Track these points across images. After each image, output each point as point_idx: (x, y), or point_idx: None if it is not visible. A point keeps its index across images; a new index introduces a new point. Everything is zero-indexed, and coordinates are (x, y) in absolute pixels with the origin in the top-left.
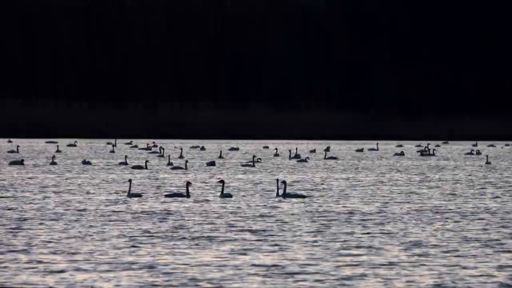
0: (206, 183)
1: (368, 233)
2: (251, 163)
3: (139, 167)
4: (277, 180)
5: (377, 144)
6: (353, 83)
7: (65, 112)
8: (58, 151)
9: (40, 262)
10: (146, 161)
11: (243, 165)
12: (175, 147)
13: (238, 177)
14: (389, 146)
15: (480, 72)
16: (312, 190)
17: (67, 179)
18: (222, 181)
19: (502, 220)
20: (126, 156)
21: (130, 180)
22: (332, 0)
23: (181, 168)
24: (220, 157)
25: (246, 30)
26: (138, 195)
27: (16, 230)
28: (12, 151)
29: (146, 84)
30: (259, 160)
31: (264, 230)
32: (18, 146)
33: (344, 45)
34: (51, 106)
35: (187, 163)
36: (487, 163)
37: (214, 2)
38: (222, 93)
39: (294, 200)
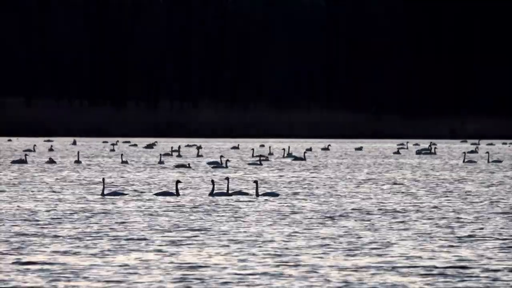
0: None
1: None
2: (258, 162)
3: (182, 166)
4: (213, 181)
5: (407, 142)
6: (354, 82)
7: (66, 111)
8: (51, 149)
9: None
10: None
11: (249, 164)
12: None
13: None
14: (389, 145)
15: (481, 71)
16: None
17: (37, 177)
18: (212, 181)
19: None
20: (122, 155)
21: (103, 179)
22: (332, 0)
23: (222, 167)
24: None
25: (246, 30)
26: (116, 194)
27: None
28: (28, 150)
29: (146, 84)
30: (266, 158)
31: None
32: (35, 145)
33: (344, 45)
34: (52, 105)
35: (227, 162)
36: (466, 161)
37: (214, 2)
38: (223, 92)
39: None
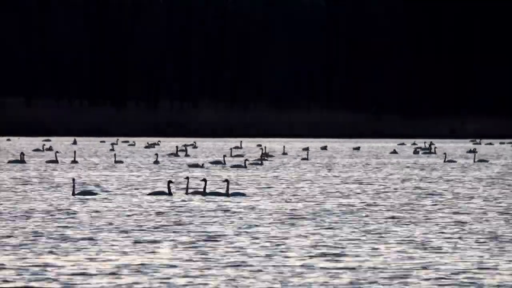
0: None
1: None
2: (259, 161)
3: (195, 166)
4: (205, 179)
5: (425, 142)
6: (354, 82)
7: (66, 111)
8: (49, 149)
9: None
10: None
11: (250, 164)
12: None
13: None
14: (389, 145)
15: (481, 71)
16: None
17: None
18: (204, 180)
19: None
20: (115, 154)
21: (73, 179)
22: (332, 0)
23: (240, 166)
24: (177, 154)
25: (246, 30)
26: (88, 193)
27: None
28: (37, 150)
29: (146, 84)
30: (266, 158)
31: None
32: (43, 145)
33: (344, 45)
34: (52, 105)
35: (246, 162)
36: (447, 161)
37: (214, 2)
38: (223, 92)
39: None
